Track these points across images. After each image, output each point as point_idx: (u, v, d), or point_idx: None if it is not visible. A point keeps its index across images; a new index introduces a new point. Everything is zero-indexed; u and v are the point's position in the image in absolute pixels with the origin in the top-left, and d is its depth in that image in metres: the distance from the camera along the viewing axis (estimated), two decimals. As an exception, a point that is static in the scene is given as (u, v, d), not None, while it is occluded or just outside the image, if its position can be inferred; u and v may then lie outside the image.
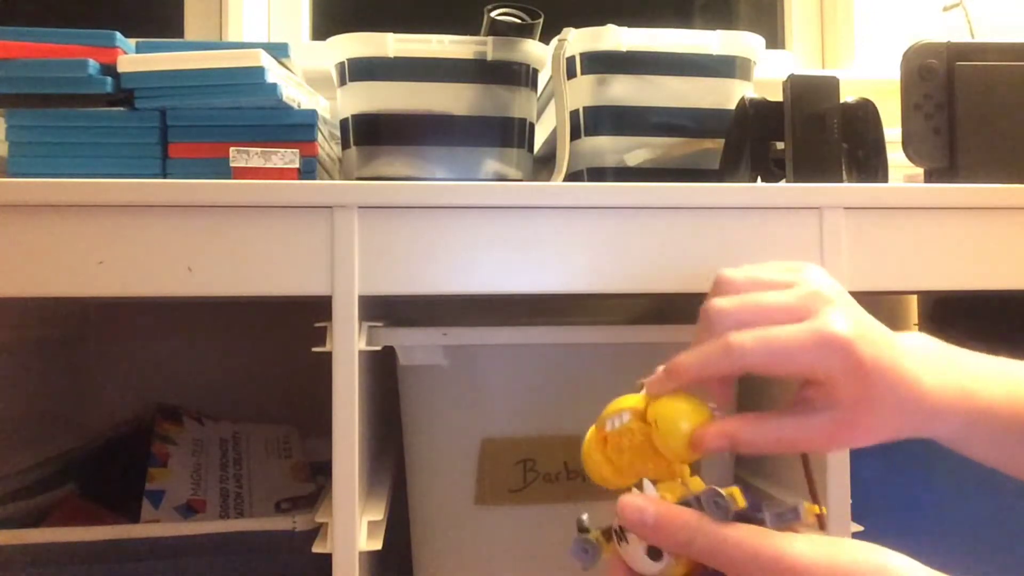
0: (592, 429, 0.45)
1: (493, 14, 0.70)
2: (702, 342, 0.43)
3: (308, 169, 0.67)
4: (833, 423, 0.41)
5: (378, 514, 0.60)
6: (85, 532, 0.65)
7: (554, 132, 0.75)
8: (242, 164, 0.65)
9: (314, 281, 0.57)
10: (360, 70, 0.72)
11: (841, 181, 0.68)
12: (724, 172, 0.72)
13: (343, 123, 0.74)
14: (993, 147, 0.70)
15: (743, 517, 0.38)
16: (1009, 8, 1.16)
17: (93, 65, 0.66)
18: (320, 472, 0.94)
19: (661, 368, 0.44)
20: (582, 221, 0.59)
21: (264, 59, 0.66)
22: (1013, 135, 0.69)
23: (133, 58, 0.67)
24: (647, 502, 0.40)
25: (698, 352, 0.42)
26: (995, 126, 0.69)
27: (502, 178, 0.73)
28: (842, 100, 0.68)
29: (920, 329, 1.04)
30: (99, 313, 1.07)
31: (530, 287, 0.59)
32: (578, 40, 0.74)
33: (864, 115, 0.69)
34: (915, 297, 1.06)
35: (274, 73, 0.68)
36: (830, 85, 0.68)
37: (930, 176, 0.74)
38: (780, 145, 0.70)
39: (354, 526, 0.57)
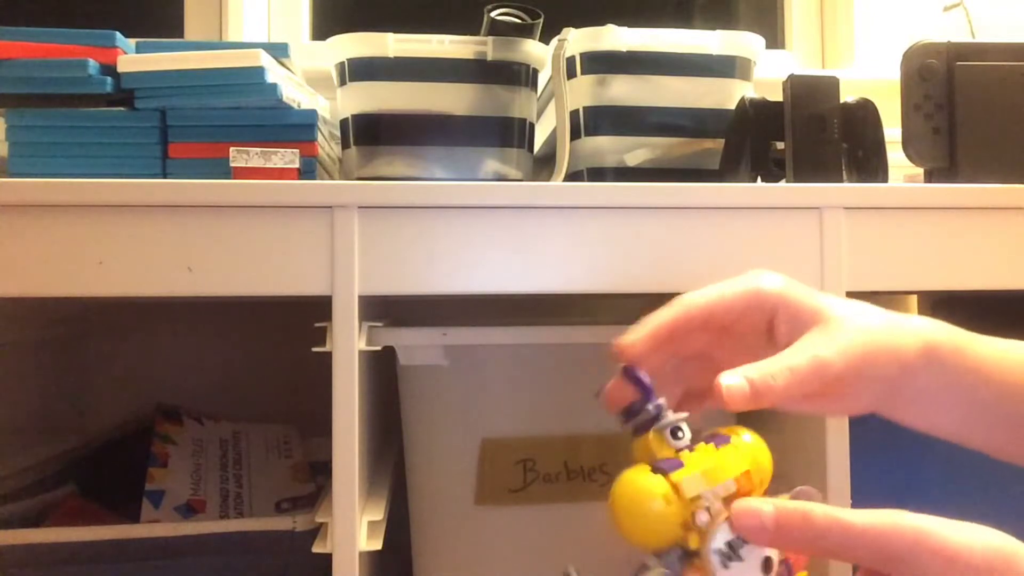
0: (646, 475, 0.39)
1: (493, 14, 0.70)
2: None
3: (308, 169, 0.67)
4: None
5: (378, 514, 0.60)
6: (85, 532, 0.65)
7: (554, 132, 0.75)
8: (242, 164, 0.65)
9: (314, 281, 0.57)
10: (360, 70, 0.72)
11: (841, 181, 0.68)
12: (724, 172, 0.72)
13: (343, 123, 0.74)
14: (993, 147, 0.70)
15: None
16: (1009, 8, 1.16)
17: (93, 65, 0.66)
18: (320, 472, 0.94)
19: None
20: (582, 221, 0.59)
21: (264, 59, 0.66)
22: (1013, 135, 0.69)
23: (133, 58, 0.67)
24: (761, 503, 0.36)
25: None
26: (995, 126, 0.69)
27: (502, 178, 0.73)
28: (842, 100, 0.68)
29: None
30: (99, 313, 1.07)
31: (530, 287, 0.59)
32: (578, 40, 0.74)
33: (864, 115, 0.69)
34: (915, 297, 1.06)
35: (274, 73, 0.68)
36: (830, 85, 0.68)
37: (930, 176, 0.74)
38: (780, 145, 0.70)
39: (354, 526, 0.57)
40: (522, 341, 0.68)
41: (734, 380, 0.40)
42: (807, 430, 0.62)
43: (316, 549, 0.57)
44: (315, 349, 0.58)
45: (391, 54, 0.71)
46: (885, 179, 0.70)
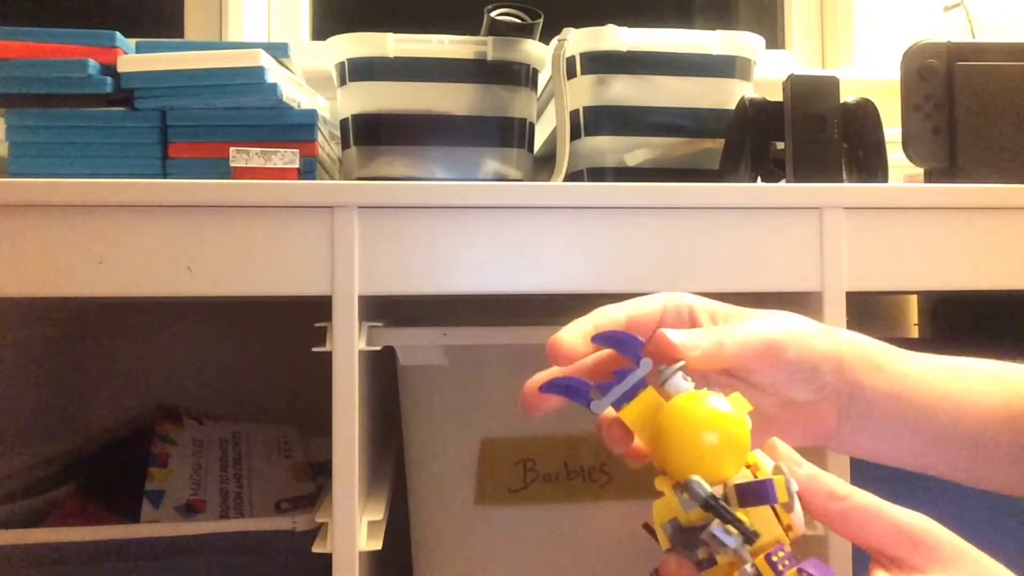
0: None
1: (493, 14, 0.71)
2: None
3: (308, 169, 0.67)
4: None
5: (378, 514, 0.60)
6: (85, 532, 0.65)
7: (554, 132, 0.75)
8: (242, 164, 0.65)
9: (314, 281, 0.57)
10: (360, 70, 0.72)
11: (841, 181, 0.68)
12: (724, 172, 0.72)
13: (343, 123, 0.74)
14: (993, 147, 0.70)
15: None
16: (1009, 8, 1.16)
17: (93, 65, 0.66)
18: (320, 472, 0.94)
19: None
20: (582, 221, 0.59)
21: (264, 59, 0.66)
22: (1013, 135, 0.69)
23: (133, 58, 0.67)
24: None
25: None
26: (995, 126, 0.70)
27: (502, 178, 0.73)
28: (842, 100, 0.68)
29: (920, 329, 1.04)
30: (99, 313, 1.07)
31: (530, 287, 0.59)
32: (578, 40, 0.74)
33: (864, 115, 0.69)
34: (915, 297, 1.06)
35: (274, 73, 0.68)
36: (830, 85, 0.68)
37: (930, 176, 0.74)
38: (780, 145, 0.70)
39: (354, 526, 0.57)
40: (522, 341, 0.68)
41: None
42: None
43: (316, 549, 0.57)
44: (315, 349, 0.58)
45: (391, 54, 0.71)
46: (885, 179, 0.70)
